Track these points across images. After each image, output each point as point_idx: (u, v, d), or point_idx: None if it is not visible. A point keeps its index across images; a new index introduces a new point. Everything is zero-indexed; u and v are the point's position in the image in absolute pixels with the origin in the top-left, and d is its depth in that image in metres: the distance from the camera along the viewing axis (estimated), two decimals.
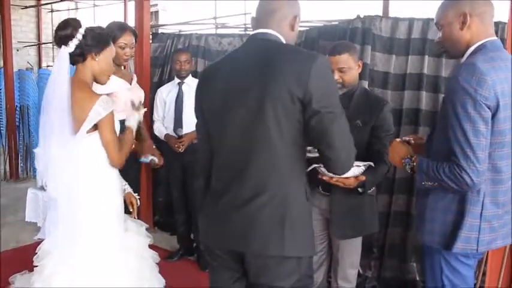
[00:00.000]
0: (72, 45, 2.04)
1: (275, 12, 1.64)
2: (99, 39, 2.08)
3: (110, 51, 2.13)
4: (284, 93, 1.48)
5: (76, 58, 2.07)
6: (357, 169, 2.11)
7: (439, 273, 1.77)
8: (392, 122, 2.41)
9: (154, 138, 3.68)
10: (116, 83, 2.74)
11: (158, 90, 3.86)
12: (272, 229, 1.53)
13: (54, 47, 13.22)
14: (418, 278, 3.22)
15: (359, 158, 2.13)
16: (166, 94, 3.72)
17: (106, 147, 2.08)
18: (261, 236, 1.53)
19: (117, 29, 2.75)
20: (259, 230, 1.53)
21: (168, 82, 4.13)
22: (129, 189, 2.41)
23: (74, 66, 2.12)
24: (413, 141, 1.97)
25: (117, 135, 2.20)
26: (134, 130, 2.30)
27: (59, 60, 2.07)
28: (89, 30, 2.07)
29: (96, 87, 2.20)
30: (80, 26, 2.07)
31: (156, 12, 13.13)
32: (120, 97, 2.74)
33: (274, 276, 1.56)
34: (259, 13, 1.68)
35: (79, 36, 2.04)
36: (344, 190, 2.21)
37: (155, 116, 3.79)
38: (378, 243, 3.35)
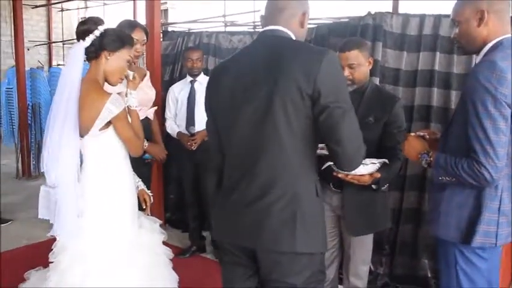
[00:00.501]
0: (89, 40, 2.07)
1: (284, 9, 1.64)
2: (115, 39, 2.11)
3: (124, 54, 2.14)
4: (293, 90, 1.48)
5: (90, 54, 2.10)
6: (372, 166, 2.11)
7: (454, 266, 1.78)
8: (404, 118, 2.40)
9: (166, 136, 3.71)
10: (124, 82, 2.76)
11: (170, 88, 3.88)
12: (283, 226, 1.53)
13: (65, 45, 13.37)
14: (429, 275, 3.21)
15: (371, 155, 2.13)
16: (178, 92, 3.73)
17: (126, 141, 2.13)
18: (272, 232, 1.53)
19: (127, 26, 2.80)
20: (270, 226, 1.53)
21: (179, 80, 4.15)
22: (142, 186, 2.43)
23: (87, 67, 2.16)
24: (428, 137, 1.97)
25: None
26: (134, 107, 2.30)
27: (73, 53, 2.10)
28: (109, 29, 2.12)
29: (106, 87, 2.23)
30: (101, 24, 2.10)
31: (166, 11, 13.17)
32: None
33: (286, 272, 1.57)
34: (268, 11, 1.69)
35: (97, 32, 2.08)
36: (356, 187, 2.20)
37: (167, 114, 3.81)
38: (389, 240, 3.34)
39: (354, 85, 2.34)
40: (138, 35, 2.83)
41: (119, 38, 2.13)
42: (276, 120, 1.51)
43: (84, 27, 2.09)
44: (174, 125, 3.74)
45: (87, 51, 2.09)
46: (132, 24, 2.87)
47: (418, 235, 3.24)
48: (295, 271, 1.57)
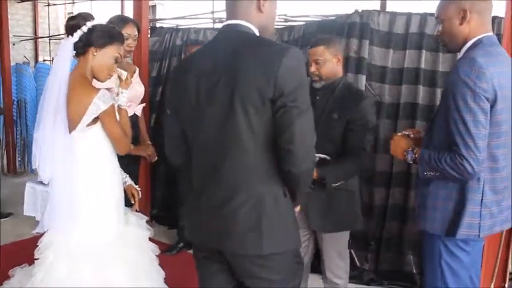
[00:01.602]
0: (77, 35, 2.07)
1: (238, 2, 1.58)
2: (103, 35, 2.09)
3: (112, 50, 2.12)
4: (253, 92, 1.44)
5: (78, 49, 2.09)
6: None
7: (438, 259, 1.83)
8: (373, 117, 2.37)
9: (156, 133, 3.70)
10: (113, 78, 2.75)
11: None
12: (249, 229, 1.52)
13: (51, 41, 13.24)
14: (415, 271, 3.25)
15: (333, 152, 2.18)
16: None
17: (113, 138, 2.12)
18: (238, 236, 1.53)
19: (119, 21, 2.79)
20: (237, 230, 1.53)
21: (166, 76, 4.14)
22: (130, 181, 2.42)
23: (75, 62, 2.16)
24: (412, 135, 2.04)
25: None
26: (124, 106, 2.30)
27: (62, 49, 2.10)
28: (97, 25, 2.10)
29: (95, 83, 2.22)
30: (90, 20, 2.09)
31: (154, 7, 13.11)
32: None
33: (258, 271, 1.57)
34: (228, 3, 1.61)
35: (85, 28, 2.07)
36: (318, 185, 2.18)
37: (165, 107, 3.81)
38: (375, 236, 3.37)
39: (322, 81, 2.35)
40: (130, 30, 2.82)
41: (107, 34, 2.11)
42: (237, 124, 1.47)
43: (73, 23, 2.09)
44: None
45: (75, 46, 2.08)
46: (124, 19, 2.86)
47: (403, 231, 3.28)
48: (267, 270, 1.57)
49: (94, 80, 2.17)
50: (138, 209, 2.44)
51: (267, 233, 1.52)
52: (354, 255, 3.40)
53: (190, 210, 1.70)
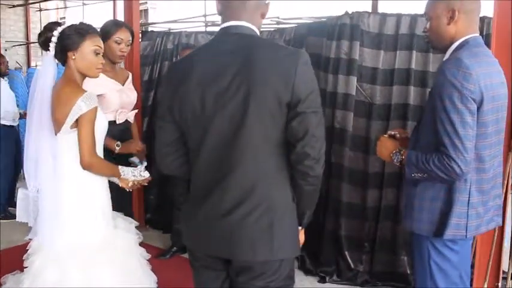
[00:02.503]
0: (52, 48, 2.09)
1: (247, 0, 1.52)
2: (73, 37, 2.08)
3: (88, 45, 2.10)
4: (270, 97, 1.42)
5: (60, 60, 2.12)
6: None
7: (427, 259, 1.83)
8: None
9: (150, 137, 3.68)
10: (106, 84, 2.74)
11: None
12: (259, 236, 1.49)
13: None
14: (409, 272, 3.25)
15: None
16: None
17: (79, 144, 2.05)
18: (248, 243, 1.50)
19: (113, 25, 2.78)
20: (246, 237, 1.50)
21: (158, 81, 4.13)
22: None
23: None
24: (398, 136, 2.04)
25: (104, 134, 2.23)
26: (126, 182, 2.30)
27: (43, 65, 2.15)
28: (64, 29, 2.10)
29: (88, 87, 2.22)
30: (56, 28, 2.10)
31: (146, 11, 13.10)
32: (110, 98, 2.74)
33: (256, 276, 1.55)
34: (229, 1, 1.54)
35: (54, 38, 2.09)
36: None
37: (158, 112, 3.78)
38: (369, 238, 3.37)
39: None
40: (123, 35, 2.79)
41: (77, 33, 2.09)
42: (251, 131, 1.45)
43: (42, 38, 2.12)
44: None
45: (56, 58, 2.10)
46: (117, 24, 2.84)
47: (397, 232, 3.28)
48: (265, 275, 1.54)
49: (89, 83, 2.18)
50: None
51: (277, 239, 1.50)
52: (348, 257, 3.40)
53: (189, 218, 1.64)
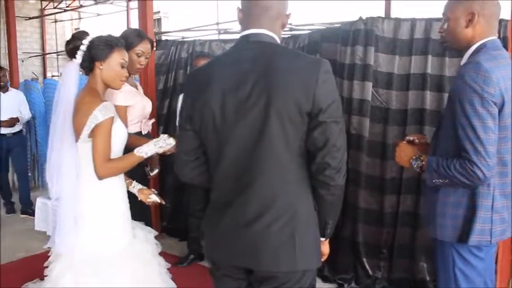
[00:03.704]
0: (79, 56, 2.11)
1: (269, 9, 1.51)
2: (102, 47, 2.12)
3: (116, 57, 2.14)
4: (291, 106, 1.41)
5: (85, 69, 2.14)
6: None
7: (451, 266, 1.81)
8: None
9: None
10: (133, 95, 2.73)
11: (180, 96, 3.84)
12: (283, 246, 1.48)
13: (59, 56, 13.40)
14: (428, 278, 3.21)
15: None
16: None
17: (93, 154, 2.06)
18: (271, 253, 1.48)
19: (136, 36, 2.70)
20: (270, 247, 1.48)
21: (173, 89, 4.16)
22: (139, 186, 2.38)
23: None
24: (417, 141, 2.01)
25: (123, 145, 2.22)
26: (142, 158, 2.19)
27: (67, 72, 2.15)
28: (94, 40, 2.12)
29: (116, 99, 2.28)
30: (85, 37, 2.12)
31: (159, 20, 13.21)
32: (138, 109, 2.74)
33: (278, 285, 1.53)
34: (249, 10, 1.53)
35: (83, 47, 2.11)
36: None
37: (178, 122, 3.82)
38: (386, 244, 3.34)
39: None
40: (145, 47, 2.72)
41: (106, 44, 2.13)
42: (273, 140, 1.44)
43: (71, 46, 2.14)
44: None
45: (82, 66, 2.13)
46: (140, 35, 2.74)
47: (415, 238, 3.24)
48: (288, 283, 1.53)
49: (109, 89, 2.21)
50: (164, 202, 2.41)
51: (300, 249, 1.48)
52: (366, 264, 3.38)
53: (210, 227, 1.63)
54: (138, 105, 2.74)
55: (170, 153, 2.24)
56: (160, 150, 2.20)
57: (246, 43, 1.53)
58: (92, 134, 2.05)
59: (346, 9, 7.31)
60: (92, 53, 2.10)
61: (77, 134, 2.08)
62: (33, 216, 5.08)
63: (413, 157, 1.89)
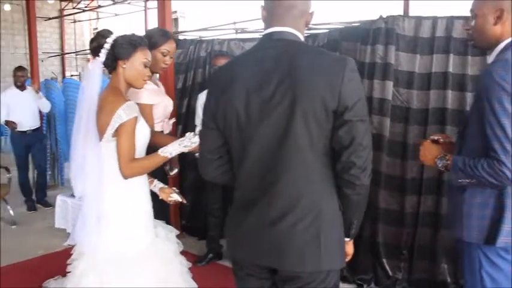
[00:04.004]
0: (103, 55, 2.11)
1: (293, 8, 1.50)
2: (126, 46, 2.13)
3: (139, 57, 2.15)
4: (317, 105, 1.40)
5: (108, 67, 2.15)
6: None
7: (478, 268, 1.77)
8: None
9: None
10: (158, 94, 2.74)
11: (199, 95, 3.90)
12: (308, 245, 1.47)
13: (77, 56, 13.55)
14: (449, 280, 3.17)
15: None
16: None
17: (117, 154, 2.07)
18: (296, 253, 1.47)
19: (161, 36, 2.69)
20: (295, 247, 1.47)
21: (191, 89, 4.18)
22: (160, 185, 2.40)
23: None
24: (441, 140, 1.98)
25: (146, 144, 2.23)
26: (167, 159, 2.19)
27: (91, 70, 2.15)
28: (118, 38, 2.13)
29: (141, 97, 2.28)
30: (110, 36, 2.12)
31: (176, 20, 13.26)
32: (161, 108, 2.75)
33: (303, 284, 1.52)
34: (273, 9, 1.52)
35: (107, 45, 2.11)
36: None
37: (197, 121, 3.83)
38: (407, 245, 3.31)
39: None
40: (171, 47, 2.71)
41: (130, 44, 2.14)
42: (297, 139, 1.43)
43: (95, 44, 2.14)
44: None
45: (105, 65, 2.14)
46: (166, 35, 2.73)
47: (436, 239, 3.21)
48: (313, 283, 1.52)
49: (132, 89, 2.22)
50: (185, 201, 2.42)
51: (325, 249, 1.47)
52: (386, 265, 3.35)
53: (234, 226, 1.62)
54: (161, 105, 2.74)
55: (189, 151, 2.24)
56: (186, 150, 2.19)
57: (270, 41, 1.53)
58: (116, 134, 2.05)
59: (363, 8, 7.25)
60: (115, 52, 2.11)
61: (101, 133, 2.08)
62: (48, 206, 5.53)
63: (438, 156, 1.86)
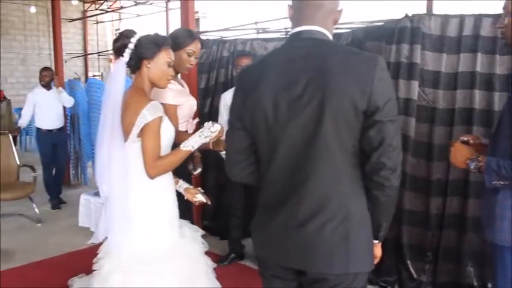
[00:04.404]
0: (127, 55, 2.12)
1: (322, 6, 1.48)
2: (150, 46, 2.13)
3: (163, 56, 2.15)
4: (346, 105, 1.37)
5: (132, 67, 2.15)
6: None
7: (511, 272, 1.74)
8: None
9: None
10: (183, 94, 2.75)
11: (222, 95, 3.90)
12: (336, 247, 1.44)
13: (100, 56, 13.72)
14: (475, 283, 3.11)
15: None
16: (229, 99, 3.71)
17: (142, 154, 2.07)
18: (324, 255, 1.45)
19: (187, 36, 2.68)
20: (323, 248, 1.45)
21: (214, 89, 4.18)
22: (185, 185, 2.40)
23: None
24: (472, 141, 1.93)
25: (170, 144, 2.23)
26: (190, 152, 2.19)
27: (115, 70, 2.16)
28: (142, 38, 2.14)
29: (166, 97, 2.30)
30: (133, 36, 2.13)
31: (197, 20, 13.31)
32: (187, 108, 2.75)
33: (330, 287, 1.49)
34: (301, 7, 1.50)
35: (131, 45, 2.12)
36: None
37: (220, 121, 3.84)
38: (432, 247, 3.26)
39: None
40: (196, 47, 2.71)
41: (154, 43, 2.14)
42: (326, 139, 1.40)
43: (119, 44, 2.14)
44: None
45: (128, 65, 2.13)
46: (192, 35, 2.72)
47: (462, 242, 3.15)
48: (340, 286, 1.49)
49: (155, 88, 2.22)
50: (209, 202, 2.43)
51: (353, 251, 1.45)
52: (411, 267, 3.30)
53: (261, 227, 1.60)
54: (186, 105, 2.74)
55: (215, 149, 2.23)
56: (207, 140, 2.18)
57: (298, 40, 1.50)
58: (141, 134, 2.06)
59: (385, 7, 7.18)
60: (139, 52, 2.11)
61: (126, 134, 2.09)
62: (62, 204, 5.72)
63: (470, 158, 1.82)
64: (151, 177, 2.09)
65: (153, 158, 2.06)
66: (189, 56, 2.67)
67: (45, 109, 5.57)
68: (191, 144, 2.15)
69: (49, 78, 5.64)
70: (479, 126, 3.07)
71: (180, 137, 2.33)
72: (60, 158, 5.89)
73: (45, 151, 5.66)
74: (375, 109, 1.38)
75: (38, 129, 5.71)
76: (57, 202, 5.77)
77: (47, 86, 5.64)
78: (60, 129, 5.81)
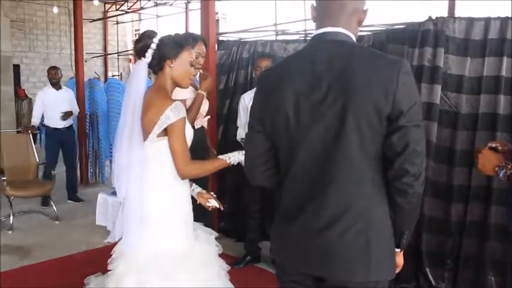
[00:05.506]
0: (149, 55, 2.11)
1: (346, 6, 1.44)
2: (173, 46, 2.12)
3: (186, 56, 2.15)
4: (370, 110, 1.34)
5: (154, 67, 2.14)
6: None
7: None
8: None
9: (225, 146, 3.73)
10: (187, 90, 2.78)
11: (241, 96, 3.90)
12: (357, 254, 1.40)
13: (120, 57, 13.84)
14: None
15: None
16: (248, 101, 3.72)
17: (173, 155, 2.07)
18: (345, 262, 1.41)
19: (190, 39, 2.73)
20: (344, 256, 1.41)
21: (233, 89, 4.16)
22: (198, 189, 2.39)
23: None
24: (500, 148, 1.86)
25: (189, 143, 2.21)
26: (227, 164, 2.21)
27: (136, 71, 2.15)
28: (164, 38, 2.13)
29: (175, 95, 2.25)
30: (155, 36, 2.12)
31: (217, 21, 13.35)
32: (205, 106, 2.83)
33: None
34: (325, 8, 1.47)
35: (153, 45, 2.10)
36: None
37: (238, 122, 3.85)
38: (452, 255, 3.19)
39: None
40: (200, 48, 2.84)
41: (176, 43, 2.14)
42: (349, 144, 1.37)
43: (141, 44, 2.13)
44: (244, 133, 3.76)
45: (151, 65, 2.12)
46: (195, 38, 2.85)
47: (484, 250, 3.07)
48: None
49: (177, 88, 2.21)
50: (222, 208, 2.43)
51: (375, 259, 1.40)
52: (430, 274, 3.24)
53: (280, 232, 1.57)
54: (204, 102, 2.82)
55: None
56: (243, 159, 2.17)
57: (321, 42, 1.47)
58: (162, 134, 2.05)
59: (406, 9, 7.10)
60: (162, 52, 2.10)
61: (146, 133, 2.08)
62: (79, 201, 5.84)
63: (499, 165, 1.75)
64: (183, 177, 2.13)
65: (184, 158, 2.07)
66: (196, 57, 2.74)
67: (53, 108, 5.72)
68: (229, 156, 2.20)
69: (57, 76, 5.79)
70: (503, 132, 3.00)
71: None
72: (68, 157, 5.98)
73: (51, 151, 5.79)
74: (399, 114, 1.34)
75: (47, 126, 5.86)
76: (74, 199, 5.89)
77: (57, 85, 5.81)
78: (68, 128, 5.92)
